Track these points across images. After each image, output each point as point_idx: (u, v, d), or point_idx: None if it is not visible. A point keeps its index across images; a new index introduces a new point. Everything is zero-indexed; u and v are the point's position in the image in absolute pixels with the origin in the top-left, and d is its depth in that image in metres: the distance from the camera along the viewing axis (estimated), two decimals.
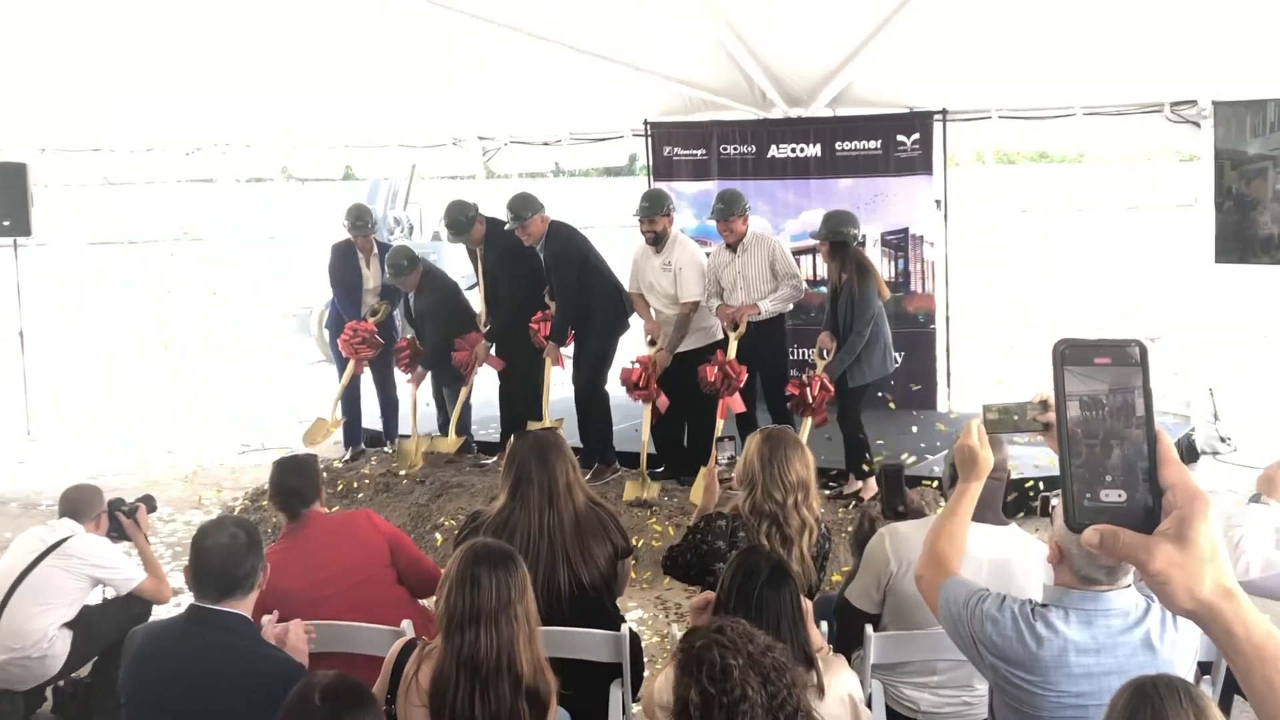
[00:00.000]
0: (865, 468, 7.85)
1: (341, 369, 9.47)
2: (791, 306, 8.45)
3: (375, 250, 9.72)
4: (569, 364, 9.01)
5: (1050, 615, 3.07)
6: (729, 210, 8.14)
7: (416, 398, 9.23)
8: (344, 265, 9.64)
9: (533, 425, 8.65)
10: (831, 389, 7.68)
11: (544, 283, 8.76)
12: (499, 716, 3.26)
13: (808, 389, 7.62)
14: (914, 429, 9.16)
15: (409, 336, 9.40)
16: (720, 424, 8.01)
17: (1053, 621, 3.06)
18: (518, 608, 3.33)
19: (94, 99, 9.98)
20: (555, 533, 4.31)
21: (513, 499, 4.39)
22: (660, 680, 3.18)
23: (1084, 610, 3.05)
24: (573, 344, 8.84)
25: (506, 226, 8.59)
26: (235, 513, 8.63)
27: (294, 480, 4.76)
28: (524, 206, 8.52)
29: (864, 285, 7.73)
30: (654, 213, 8.39)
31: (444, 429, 9.39)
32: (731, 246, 8.22)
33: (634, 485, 8.22)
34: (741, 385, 7.88)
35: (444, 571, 3.44)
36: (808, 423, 7.74)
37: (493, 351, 8.99)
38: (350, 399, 9.62)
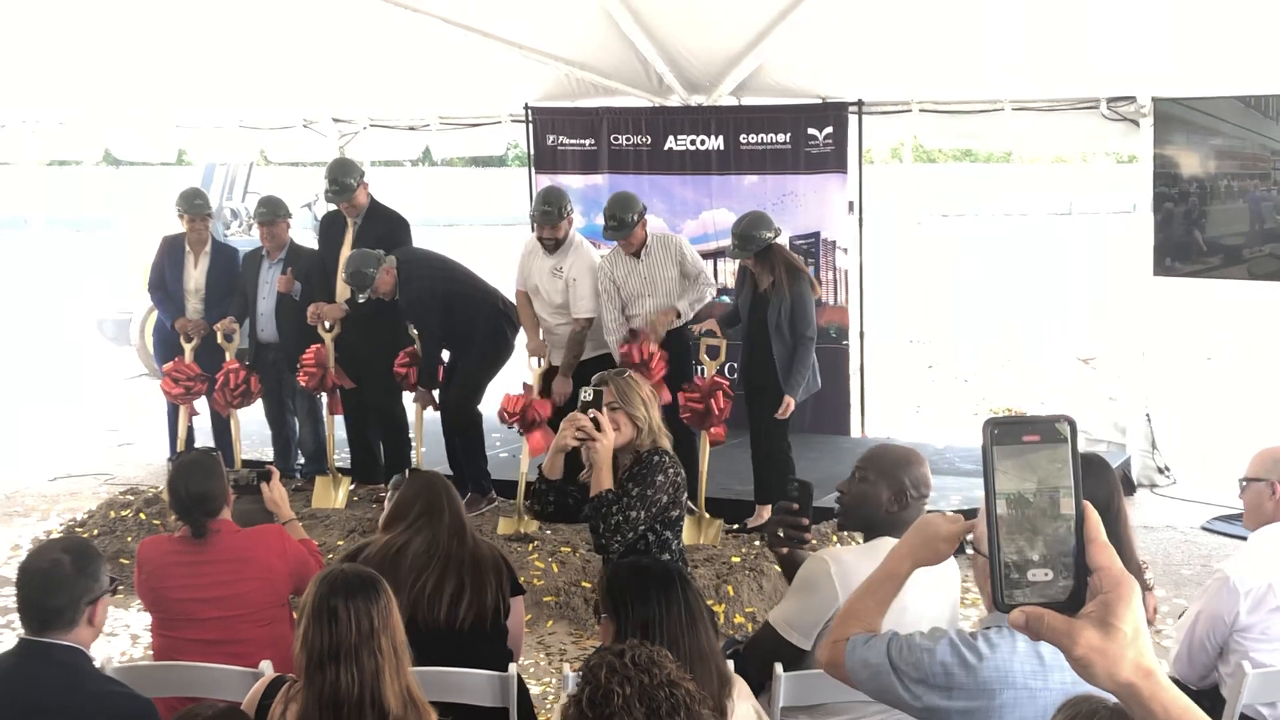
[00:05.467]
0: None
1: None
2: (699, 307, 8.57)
3: (208, 247, 9.75)
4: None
5: (990, 634, 3.25)
6: (623, 228, 8.24)
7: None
8: (168, 259, 9.69)
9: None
10: (730, 397, 7.92)
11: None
12: None
13: (711, 399, 7.82)
14: (825, 456, 9.42)
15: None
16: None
17: (994, 640, 3.23)
18: (380, 638, 3.45)
19: None
20: (450, 550, 4.52)
21: (395, 525, 4.57)
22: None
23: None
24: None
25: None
26: None
27: (199, 485, 4.80)
28: (364, 264, 8.45)
29: (798, 284, 7.93)
30: (557, 219, 8.42)
31: (314, 460, 9.52)
32: (635, 253, 8.38)
33: (509, 521, 8.37)
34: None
35: (300, 605, 3.57)
36: (706, 440, 7.97)
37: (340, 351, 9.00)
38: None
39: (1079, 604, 1.41)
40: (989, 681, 3.17)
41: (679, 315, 8.32)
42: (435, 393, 8.85)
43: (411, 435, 9.16)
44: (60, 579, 3.73)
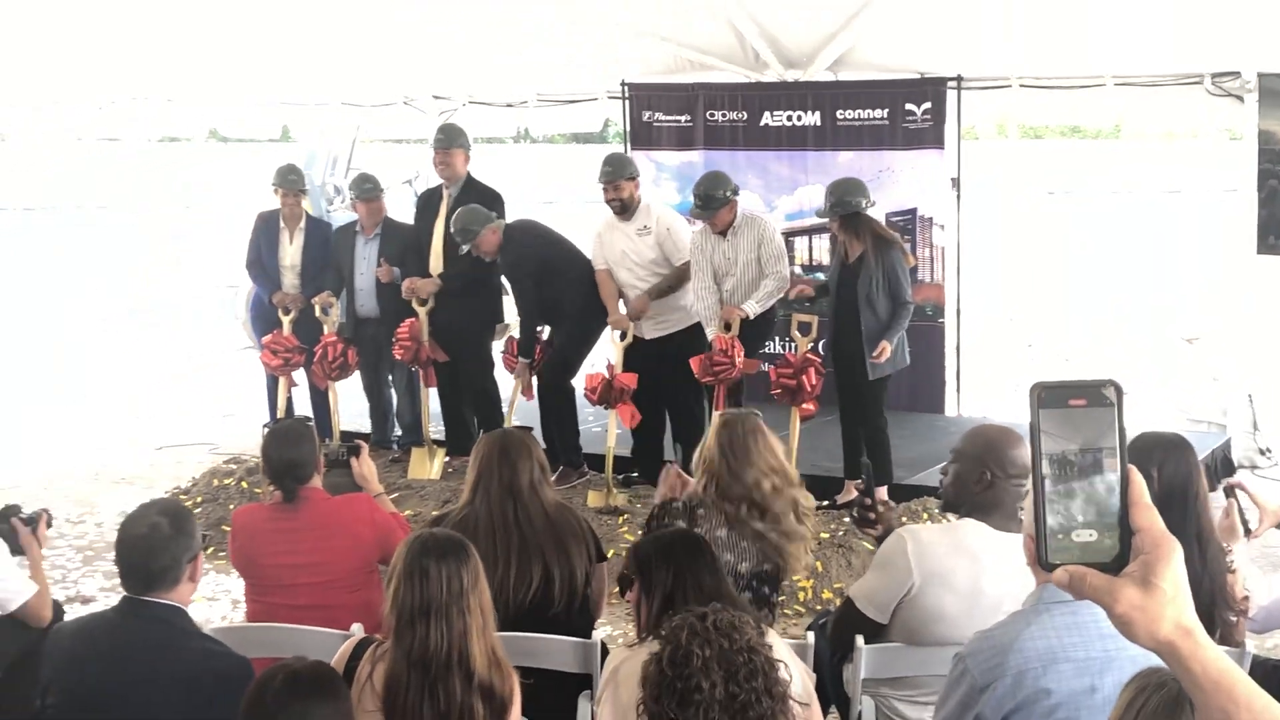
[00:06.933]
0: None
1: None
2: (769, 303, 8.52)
3: (303, 223, 9.92)
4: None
5: (1032, 617, 3.30)
6: (709, 207, 8.31)
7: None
8: (264, 235, 9.88)
9: None
10: (822, 374, 7.92)
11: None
12: (449, 716, 3.50)
13: (803, 375, 7.83)
14: (921, 436, 9.40)
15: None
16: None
17: (1005, 621, 3.28)
18: (470, 598, 3.56)
19: None
20: (525, 527, 4.59)
21: (473, 496, 4.66)
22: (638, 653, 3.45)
23: (1065, 602, 3.23)
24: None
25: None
26: None
27: (290, 452, 4.97)
28: (472, 220, 8.70)
29: (889, 253, 7.90)
30: (619, 176, 8.64)
31: (410, 432, 9.69)
32: (721, 232, 8.41)
33: (598, 494, 8.48)
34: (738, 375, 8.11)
35: (391, 566, 3.69)
36: (796, 416, 7.98)
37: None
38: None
39: (1122, 564, 1.45)
40: (1032, 662, 3.21)
41: (748, 315, 8.29)
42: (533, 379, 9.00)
43: (505, 409, 9.28)
44: (161, 541, 3.86)
